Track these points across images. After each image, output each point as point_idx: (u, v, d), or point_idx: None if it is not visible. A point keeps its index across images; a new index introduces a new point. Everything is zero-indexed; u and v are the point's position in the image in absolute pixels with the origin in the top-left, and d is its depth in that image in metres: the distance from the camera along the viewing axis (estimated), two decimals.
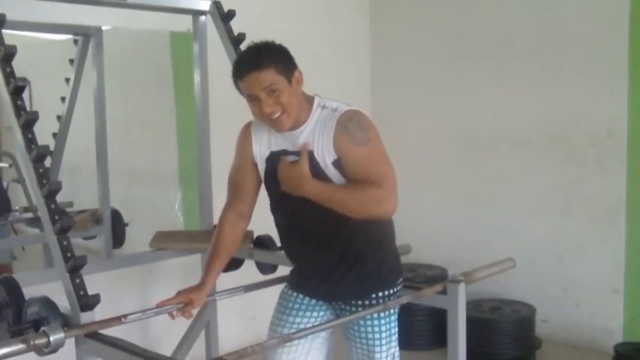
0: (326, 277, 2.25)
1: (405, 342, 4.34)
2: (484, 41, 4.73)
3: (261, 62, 2.04)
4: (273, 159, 2.21)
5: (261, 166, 2.27)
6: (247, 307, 4.20)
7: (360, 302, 2.24)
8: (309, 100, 2.17)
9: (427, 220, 5.01)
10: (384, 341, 2.27)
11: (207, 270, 2.36)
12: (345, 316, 2.27)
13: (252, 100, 2.09)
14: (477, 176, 4.82)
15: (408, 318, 4.35)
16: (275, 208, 2.32)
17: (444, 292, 2.38)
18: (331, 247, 2.20)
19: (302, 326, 2.33)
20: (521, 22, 4.55)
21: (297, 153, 2.14)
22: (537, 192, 4.54)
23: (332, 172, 2.11)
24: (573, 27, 4.30)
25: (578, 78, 4.29)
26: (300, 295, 2.37)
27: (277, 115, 2.07)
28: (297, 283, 2.40)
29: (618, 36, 4.08)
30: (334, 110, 2.12)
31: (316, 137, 2.11)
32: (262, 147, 2.25)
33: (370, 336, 2.26)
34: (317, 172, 2.10)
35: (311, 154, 2.10)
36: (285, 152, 2.18)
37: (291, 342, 2.29)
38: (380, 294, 2.24)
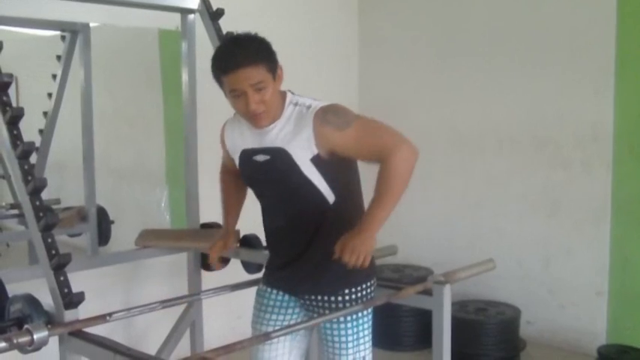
0: (291, 270, 2.27)
1: (391, 343, 4.39)
2: (473, 41, 4.74)
3: (253, 59, 2.01)
4: (245, 156, 2.23)
5: (236, 162, 2.29)
6: (233, 306, 4.19)
7: (325, 298, 2.22)
8: (282, 96, 2.15)
9: (414, 221, 5.02)
10: (350, 344, 2.25)
11: (225, 216, 2.60)
12: (314, 313, 2.27)
13: (237, 95, 2.05)
14: (465, 178, 4.83)
15: (394, 319, 4.37)
16: (257, 197, 2.34)
17: (429, 293, 2.39)
18: (303, 241, 2.21)
19: (279, 323, 2.34)
20: (509, 22, 4.57)
21: (263, 150, 2.14)
22: (524, 194, 4.56)
23: (308, 169, 2.09)
24: (560, 28, 4.32)
25: (565, 79, 4.31)
26: (274, 291, 2.37)
27: (260, 111, 2.06)
28: (268, 274, 2.41)
29: (605, 38, 4.10)
30: (308, 107, 2.09)
31: (289, 134, 2.09)
32: (235, 145, 2.28)
33: (337, 339, 2.25)
34: (291, 169, 2.09)
35: (284, 152, 2.09)
36: (256, 150, 2.18)
37: (272, 341, 2.30)
38: (346, 291, 2.22)
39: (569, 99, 4.31)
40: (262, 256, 3.02)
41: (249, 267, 3.17)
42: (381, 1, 5.25)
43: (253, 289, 2.71)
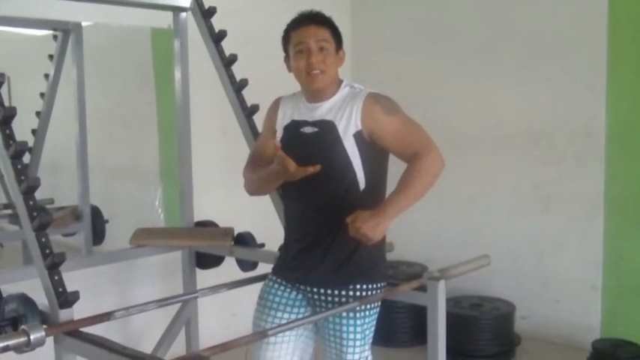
0: (309, 255, 2.25)
1: (386, 339, 4.39)
2: (466, 39, 4.75)
3: (323, 21, 2.23)
4: (292, 127, 2.28)
5: (279, 134, 2.31)
6: (228, 304, 4.19)
7: (336, 292, 2.21)
8: (339, 81, 2.27)
9: (408, 217, 4.98)
10: (358, 342, 2.23)
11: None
12: (321, 311, 2.25)
13: (300, 52, 2.19)
14: (459, 174, 4.82)
15: (388, 315, 4.36)
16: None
17: (423, 289, 2.39)
18: (326, 227, 2.22)
19: (284, 321, 2.31)
20: (502, 20, 4.58)
21: (313, 123, 2.21)
22: (518, 190, 4.57)
23: (349, 144, 2.15)
24: (553, 26, 4.33)
25: (558, 76, 4.32)
26: (281, 288, 2.35)
27: (318, 71, 2.16)
28: (282, 264, 2.39)
29: (597, 35, 4.12)
30: (362, 89, 2.23)
31: (340, 109, 2.18)
32: (285, 117, 2.32)
33: (345, 335, 2.23)
34: (334, 143, 2.15)
35: (332, 124, 2.17)
36: (305, 122, 2.24)
37: (275, 340, 2.29)
38: (357, 286, 2.21)
39: (562, 96, 4.32)
40: (257, 254, 3.02)
41: (243, 265, 3.18)
42: (374, 0, 5.26)
43: (248, 288, 2.72)
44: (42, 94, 3.75)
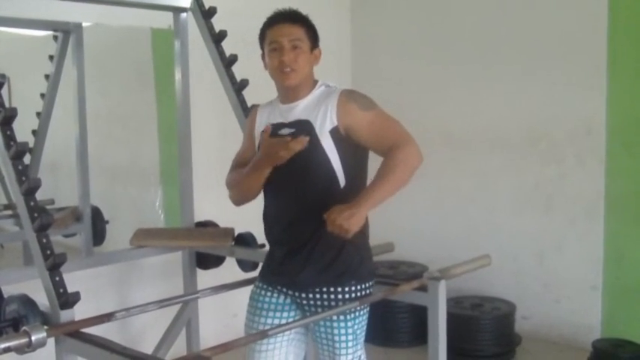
0: (293, 259, 2.22)
1: (386, 339, 4.40)
2: (465, 39, 4.75)
3: (297, 19, 2.24)
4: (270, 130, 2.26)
5: (258, 142, 2.31)
6: (229, 304, 4.19)
7: (325, 296, 2.19)
8: (314, 81, 2.29)
9: (409, 217, 5.03)
10: (350, 343, 2.23)
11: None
12: (311, 312, 2.23)
13: (274, 50, 2.20)
14: (459, 175, 4.84)
15: (389, 315, 4.37)
16: (266, 184, 2.30)
17: (424, 289, 2.39)
18: (310, 228, 2.19)
19: (275, 325, 2.30)
20: (501, 20, 4.58)
21: (289, 124, 2.21)
22: (518, 190, 4.58)
23: (326, 141, 2.14)
24: (553, 25, 4.34)
25: (558, 76, 4.32)
26: (269, 293, 2.33)
27: (290, 69, 2.18)
28: (267, 270, 2.36)
29: (597, 34, 4.12)
30: (337, 87, 2.25)
31: (315, 108, 2.19)
32: (262, 123, 2.33)
33: (337, 337, 2.22)
34: (311, 139, 2.13)
35: (307, 123, 2.17)
36: (282, 125, 2.24)
37: (267, 348, 2.29)
38: (346, 289, 2.20)
39: (562, 95, 4.32)
40: (257, 254, 3.02)
41: (244, 265, 3.18)
42: (373, 2, 5.25)
43: (249, 288, 2.71)
44: (42, 95, 3.74)
